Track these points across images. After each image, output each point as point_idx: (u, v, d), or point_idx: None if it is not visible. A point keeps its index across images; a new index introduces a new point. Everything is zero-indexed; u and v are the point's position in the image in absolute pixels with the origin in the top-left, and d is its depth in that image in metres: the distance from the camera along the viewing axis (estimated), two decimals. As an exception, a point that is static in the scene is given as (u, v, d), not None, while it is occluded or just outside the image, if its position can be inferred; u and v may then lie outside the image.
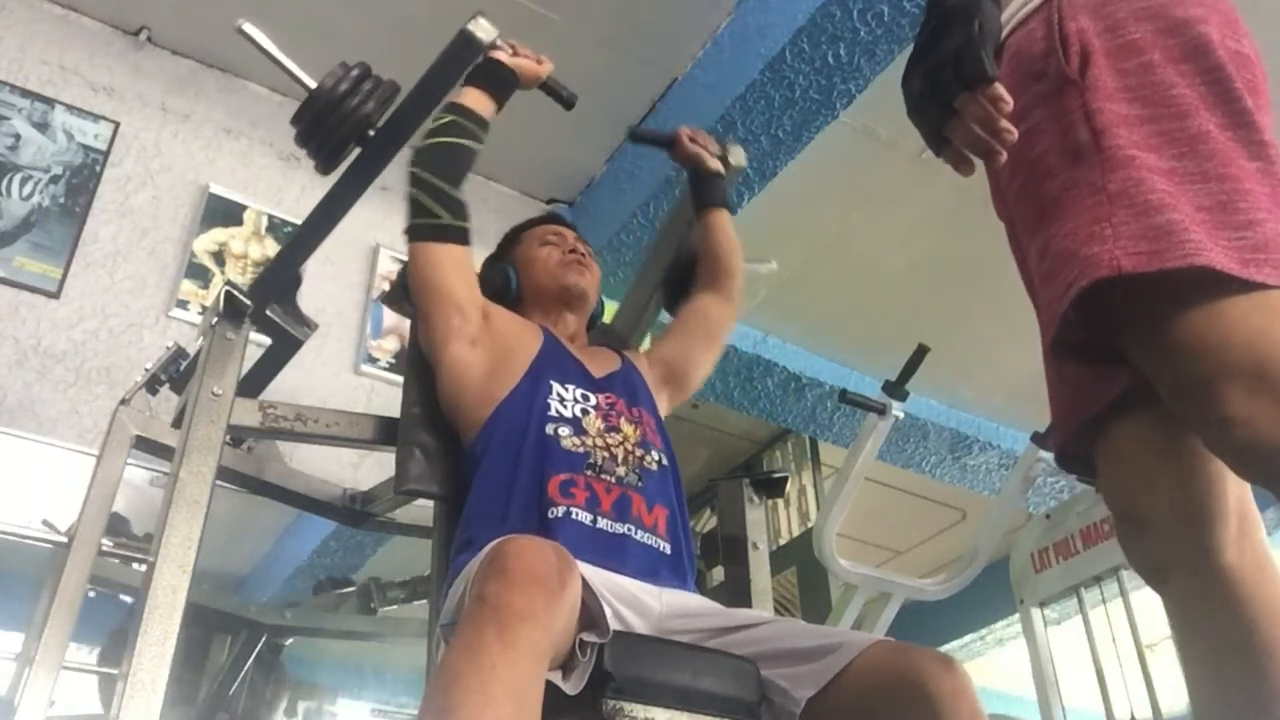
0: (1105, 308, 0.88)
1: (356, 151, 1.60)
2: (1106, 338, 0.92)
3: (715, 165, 1.86)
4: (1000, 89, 0.87)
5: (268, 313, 1.72)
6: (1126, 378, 0.97)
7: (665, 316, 1.95)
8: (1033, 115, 0.95)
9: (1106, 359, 0.95)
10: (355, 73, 1.56)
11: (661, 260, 1.94)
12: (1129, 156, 0.87)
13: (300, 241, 1.78)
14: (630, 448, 1.42)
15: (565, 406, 1.43)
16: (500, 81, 1.62)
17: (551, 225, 1.76)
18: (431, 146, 1.55)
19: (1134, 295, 0.86)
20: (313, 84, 1.54)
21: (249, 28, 1.55)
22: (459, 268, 1.53)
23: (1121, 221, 0.85)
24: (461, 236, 1.54)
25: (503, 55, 1.63)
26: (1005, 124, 0.86)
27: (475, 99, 1.59)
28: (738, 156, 1.92)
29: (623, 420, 1.45)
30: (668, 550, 1.36)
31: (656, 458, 1.44)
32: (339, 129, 1.53)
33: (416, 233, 1.53)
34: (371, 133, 1.57)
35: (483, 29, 1.58)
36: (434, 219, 1.52)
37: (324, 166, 1.59)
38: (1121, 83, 0.90)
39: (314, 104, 1.53)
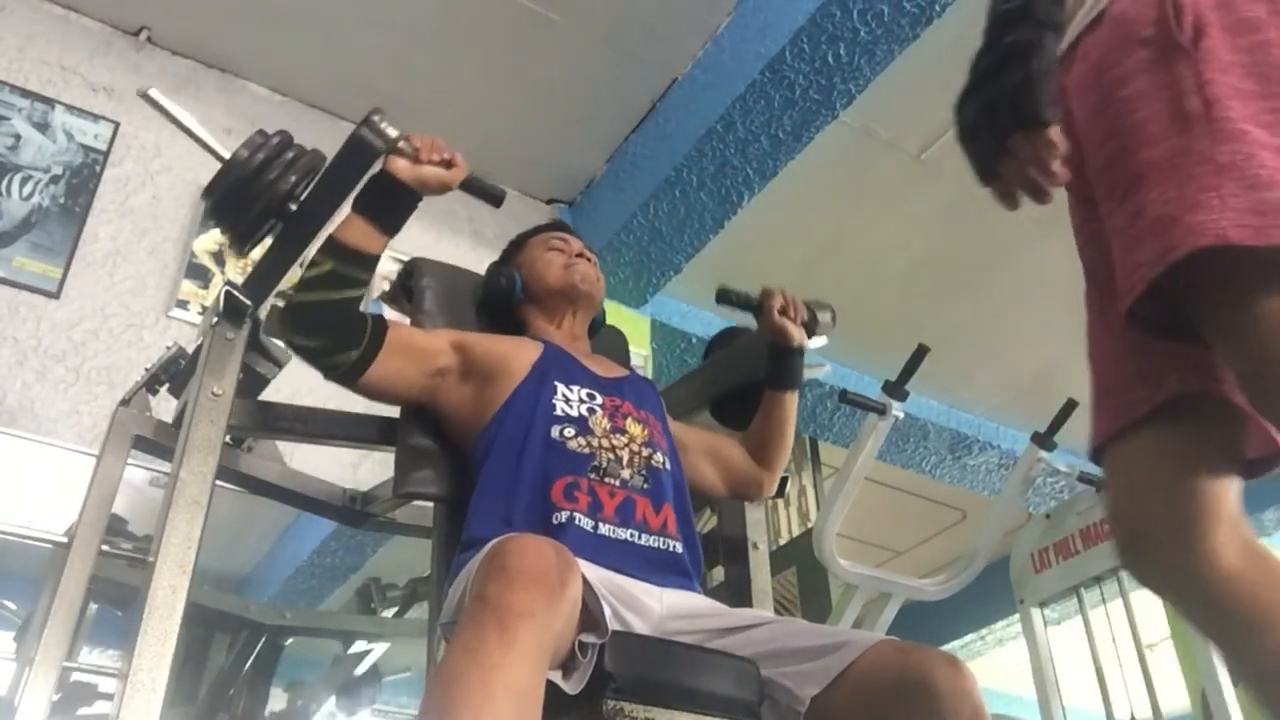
0: (1196, 282, 0.87)
1: (278, 227, 1.45)
2: (1182, 314, 0.91)
3: (799, 340, 1.70)
4: (1056, 134, 0.87)
5: None
6: (1174, 383, 0.97)
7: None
8: (1135, 81, 0.93)
9: (1171, 338, 0.94)
10: (275, 141, 1.41)
11: (720, 382, 1.88)
12: (1241, 130, 0.86)
13: (247, 294, 1.60)
14: (637, 448, 1.42)
15: (571, 406, 1.43)
16: (392, 202, 1.38)
17: (557, 233, 1.75)
18: (303, 308, 1.38)
19: (1230, 270, 0.85)
20: (226, 154, 1.40)
21: (155, 93, 1.45)
22: (401, 358, 1.44)
23: (1230, 193, 0.83)
24: (378, 342, 1.41)
25: (401, 167, 1.37)
26: (1057, 166, 0.87)
27: (359, 234, 1.37)
28: (826, 323, 1.77)
29: (629, 421, 1.45)
30: (678, 549, 1.37)
31: (661, 459, 1.44)
32: (255, 204, 1.38)
33: (341, 380, 1.41)
34: (293, 207, 1.40)
35: (376, 134, 1.35)
36: (342, 365, 1.39)
37: (238, 245, 1.44)
38: (1236, 58, 0.89)
39: (227, 176, 1.39)
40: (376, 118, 1.36)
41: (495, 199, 1.51)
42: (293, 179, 1.39)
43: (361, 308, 1.42)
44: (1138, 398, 1.00)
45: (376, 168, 1.39)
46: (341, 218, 1.42)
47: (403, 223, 1.42)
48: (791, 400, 1.71)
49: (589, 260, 1.69)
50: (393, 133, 1.36)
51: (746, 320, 1.78)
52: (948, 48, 2.63)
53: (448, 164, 1.41)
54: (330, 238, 1.38)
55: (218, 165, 1.45)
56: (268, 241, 1.49)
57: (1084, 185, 1.05)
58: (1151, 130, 0.91)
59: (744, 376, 1.83)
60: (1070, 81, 1.00)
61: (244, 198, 1.39)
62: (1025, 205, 1.00)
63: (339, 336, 1.39)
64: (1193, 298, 0.89)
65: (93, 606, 2.22)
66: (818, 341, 1.79)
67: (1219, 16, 0.91)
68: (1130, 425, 1.00)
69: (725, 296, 1.73)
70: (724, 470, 1.67)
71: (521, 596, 0.94)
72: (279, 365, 1.72)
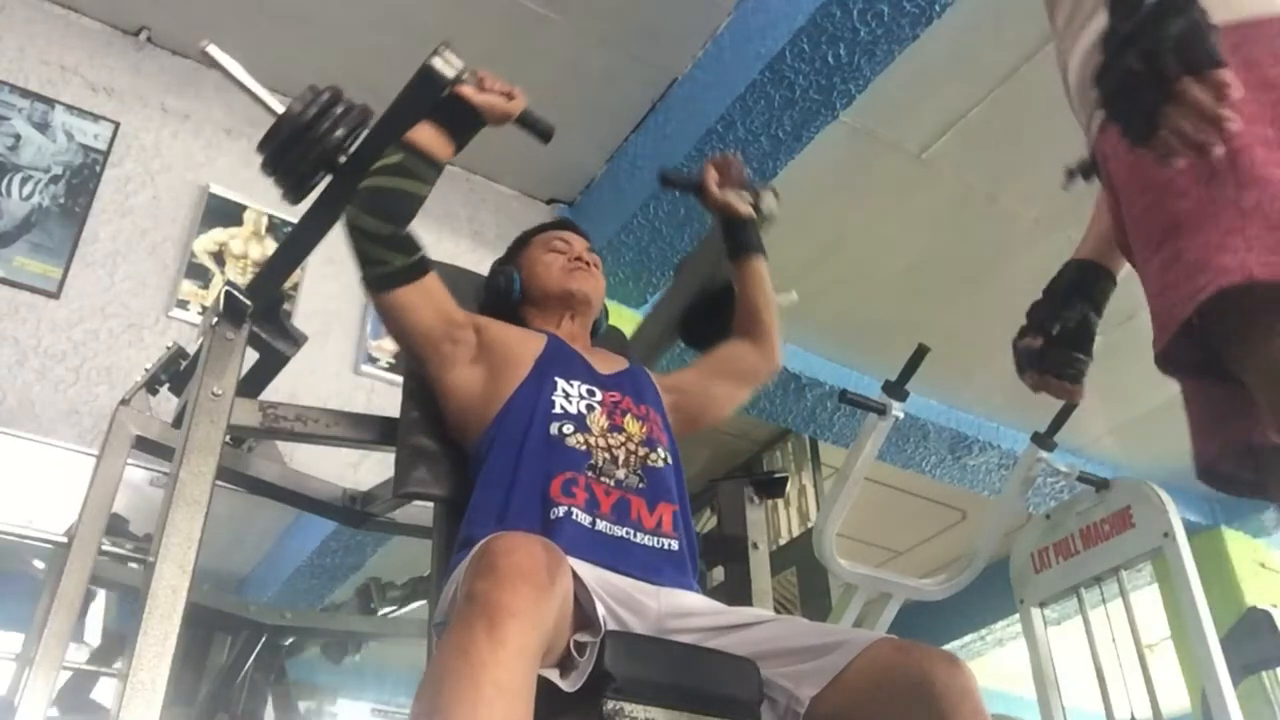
0: (1224, 321, 0.89)
1: (327, 179, 1.52)
2: (1216, 355, 0.93)
3: (746, 210, 1.76)
4: (1228, 74, 0.84)
5: (254, 329, 1.70)
6: (1237, 431, 1.00)
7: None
8: None
9: (1210, 377, 0.96)
10: (325, 97, 1.47)
11: (684, 294, 1.89)
12: (1266, 175, 0.88)
13: (278, 263, 1.73)
14: (633, 447, 1.42)
15: (570, 402, 1.43)
16: (461, 121, 1.50)
17: (561, 232, 1.75)
18: (372, 191, 1.44)
19: (1257, 306, 0.87)
20: (280, 109, 1.47)
21: (214, 50, 1.50)
22: (431, 301, 1.48)
23: (1256, 235, 0.86)
24: (422, 269, 1.47)
25: (469, 91, 1.50)
26: (1227, 112, 0.84)
27: (429, 138, 1.47)
28: (769, 203, 1.81)
29: (628, 418, 1.45)
30: (674, 547, 1.37)
31: (662, 455, 1.44)
32: (307, 156, 1.45)
33: (375, 285, 1.45)
34: (342, 160, 1.48)
35: (446, 63, 1.46)
36: (386, 266, 1.44)
37: (291, 195, 1.51)
38: (1260, 110, 0.92)
39: (280, 130, 1.45)
40: (445, 50, 1.47)
41: (546, 134, 1.62)
42: (342, 131, 1.47)
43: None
44: (1204, 444, 1.05)
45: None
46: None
47: (466, 141, 1.52)
48: (759, 265, 1.75)
49: (588, 264, 1.69)
50: (460, 64, 1.48)
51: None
52: (948, 48, 2.64)
53: (508, 97, 1.53)
54: (401, 139, 1.47)
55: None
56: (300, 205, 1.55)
57: (1124, 238, 1.08)
58: (1181, 184, 0.94)
59: (703, 284, 1.84)
60: (1109, 144, 1.02)
61: (297, 150, 1.46)
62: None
63: (400, 233, 1.45)
64: (1225, 338, 0.91)
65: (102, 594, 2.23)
66: (770, 203, 1.84)
67: (1242, 75, 0.94)
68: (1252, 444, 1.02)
69: (667, 180, 1.82)
70: (733, 372, 1.70)
71: (510, 595, 0.94)
72: (297, 344, 1.74)
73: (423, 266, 1.47)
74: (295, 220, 2.87)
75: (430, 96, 1.48)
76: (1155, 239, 0.97)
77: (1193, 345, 0.92)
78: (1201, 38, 0.84)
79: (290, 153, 1.46)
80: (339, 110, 1.47)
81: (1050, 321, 1.21)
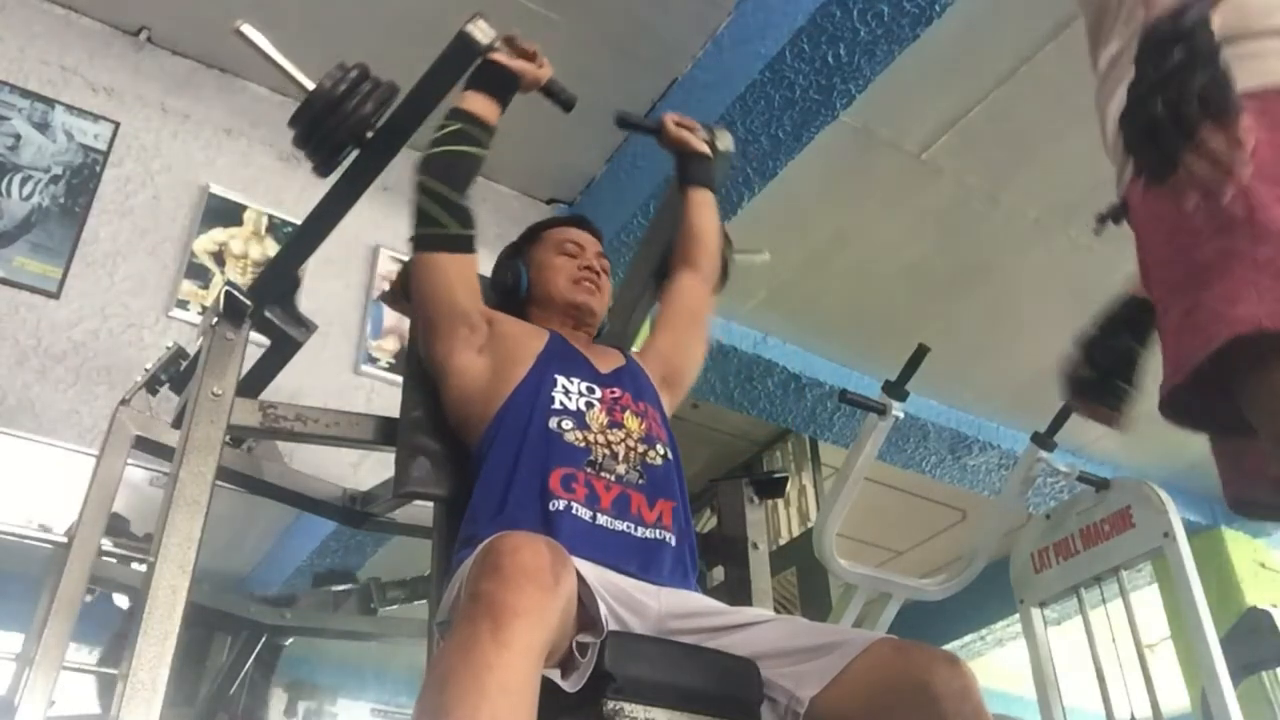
0: (1236, 369, 0.93)
1: (354, 153, 1.59)
2: (1225, 407, 0.97)
3: (701, 147, 1.84)
4: (1247, 125, 0.89)
5: (266, 314, 1.73)
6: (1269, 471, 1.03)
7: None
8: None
9: (1213, 428, 1.00)
10: (354, 74, 1.54)
11: (652, 254, 1.93)
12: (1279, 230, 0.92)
13: (299, 243, 1.77)
14: (633, 444, 1.42)
15: (569, 399, 1.43)
16: (503, 84, 1.61)
17: (575, 231, 1.75)
18: (439, 155, 1.54)
19: (1266, 354, 0.91)
20: (311, 85, 1.53)
21: (248, 29, 1.54)
22: (465, 279, 1.53)
23: (1266, 286, 0.90)
24: (469, 245, 1.54)
25: (502, 58, 1.60)
26: (1243, 158, 0.89)
27: (480, 104, 1.58)
28: (725, 142, 1.91)
29: (627, 414, 1.46)
30: (673, 542, 1.37)
31: (661, 452, 1.45)
32: (337, 131, 1.52)
33: (424, 243, 1.53)
34: (370, 134, 1.55)
35: (481, 31, 1.56)
36: (442, 229, 1.51)
37: (322, 169, 1.58)
38: (1277, 171, 0.95)
39: (312, 105, 1.53)
40: (479, 19, 1.56)
41: (569, 104, 1.71)
42: (370, 106, 1.53)
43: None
44: (1233, 482, 1.09)
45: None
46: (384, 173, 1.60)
47: (507, 104, 1.62)
48: (704, 196, 1.82)
49: (598, 273, 1.69)
50: (493, 32, 1.58)
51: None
52: (948, 48, 2.64)
53: (536, 63, 1.64)
54: (453, 109, 1.57)
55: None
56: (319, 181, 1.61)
57: (1147, 282, 1.11)
58: (1201, 236, 0.98)
59: (668, 239, 1.87)
60: (1135, 194, 1.06)
61: (327, 125, 1.52)
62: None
63: (463, 201, 1.54)
64: (1238, 385, 0.95)
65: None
66: (726, 141, 1.93)
67: (1266, 136, 0.97)
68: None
69: (625, 121, 1.90)
70: (689, 315, 1.75)
71: (515, 594, 0.94)
72: (309, 331, 1.76)
73: (471, 244, 1.55)
74: (295, 220, 2.87)
75: (465, 63, 1.57)
76: (1175, 287, 1.01)
77: (1198, 394, 0.96)
78: (1223, 89, 0.89)
79: (321, 127, 1.52)
80: (367, 87, 1.54)
81: (1103, 355, 1.28)
